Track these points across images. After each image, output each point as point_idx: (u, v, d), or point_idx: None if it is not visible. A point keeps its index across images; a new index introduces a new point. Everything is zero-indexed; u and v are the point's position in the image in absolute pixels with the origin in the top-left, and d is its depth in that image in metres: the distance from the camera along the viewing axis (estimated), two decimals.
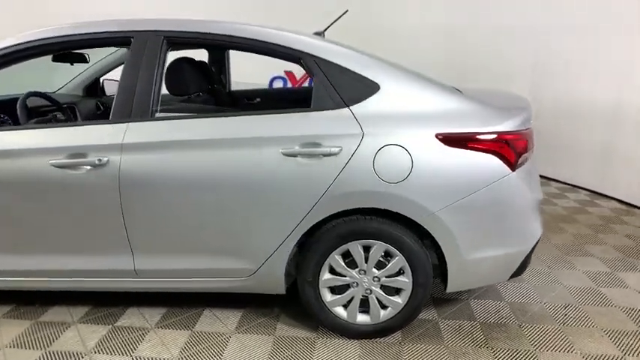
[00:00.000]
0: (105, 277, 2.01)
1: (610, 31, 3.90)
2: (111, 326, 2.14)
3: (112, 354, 1.94)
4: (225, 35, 1.91)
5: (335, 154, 1.79)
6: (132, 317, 2.21)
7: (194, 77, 2.23)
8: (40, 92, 2.48)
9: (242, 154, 1.82)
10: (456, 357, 1.93)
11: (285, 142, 1.81)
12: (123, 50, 2.99)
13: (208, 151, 1.82)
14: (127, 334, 2.08)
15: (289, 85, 6.31)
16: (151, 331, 2.11)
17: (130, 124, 1.85)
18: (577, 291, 2.46)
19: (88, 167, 1.83)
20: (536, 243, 1.98)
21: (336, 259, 1.92)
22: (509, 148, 1.83)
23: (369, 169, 1.78)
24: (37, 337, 2.05)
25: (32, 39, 1.91)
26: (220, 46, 2.00)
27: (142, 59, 1.89)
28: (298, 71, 6.28)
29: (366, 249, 1.92)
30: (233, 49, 2.07)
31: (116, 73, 3.28)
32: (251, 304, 2.30)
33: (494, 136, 1.81)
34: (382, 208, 1.82)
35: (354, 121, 1.82)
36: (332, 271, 1.95)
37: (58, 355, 1.93)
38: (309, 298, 1.98)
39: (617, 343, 2.02)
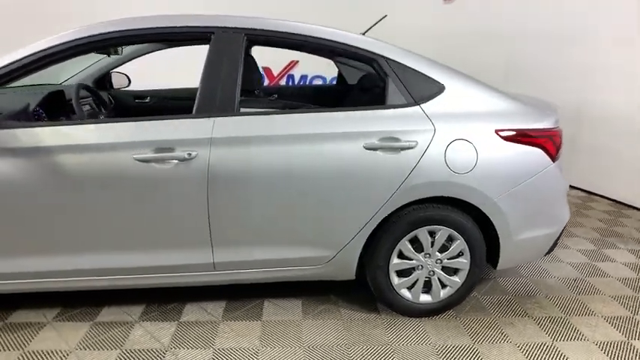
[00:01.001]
0: (182, 272, 2.00)
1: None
2: (177, 322, 2.13)
3: (190, 348, 1.95)
4: (303, 35, 2.00)
5: (412, 148, 1.96)
6: (194, 312, 2.21)
7: (259, 72, 2.28)
8: (86, 85, 2.38)
9: (325, 148, 1.92)
10: (506, 326, 2.20)
11: (367, 136, 1.95)
12: (135, 46, 2.93)
13: (293, 146, 1.91)
14: (197, 328, 2.09)
15: (267, 80, 6.36)
16: (221, 323, 2.13)
17: (217, 119, 1.88)
18: (578, 266, 2.87)
19: (176, 161, 1.83)
20: (566, 225, 2.31)
21: (405, 244, 2.10)
22: (552, 143, 2.12)
23: (441, 161, 1.98)
24: (106, 338, 1.99)
25: (111, 30, 1.86)
26: (297, 45, 2.07)
27: (223, 56, 1.92)
28: (275, 67, 6.37)
29: (430, 234, 2.12)
30: (309, 48, 2.15)
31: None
32: (305, 291, 2.40)
33: (541, 132, 2.10)
34: (451, 196, 2.03)
35: (426, 117, 2.01)
36: (400, 255, 2.13)
37: (138, 353, 1.90)
38: (379, 283, 2.14)
39: (624, 305, 2.41)
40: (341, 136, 1.94)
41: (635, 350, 2.04)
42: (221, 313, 2.21)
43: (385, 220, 2.05)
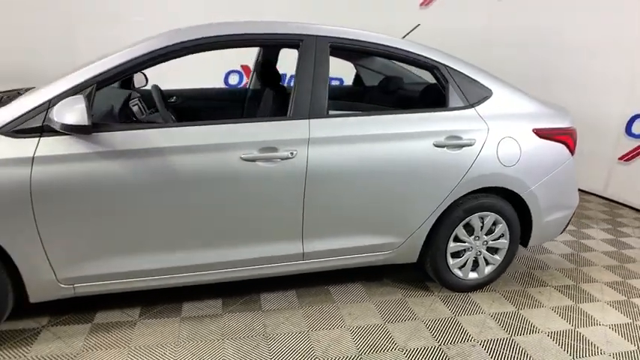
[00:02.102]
0: (275, 263, 2.14)
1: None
2: (258, 311, 2.26)
3: (326, 329, 2.11)
4: (376, 44, 2.22)
5: (471, 145, 2.28)
6: (274, 301, 2.35)
7: None
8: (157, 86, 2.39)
9: (403, 146, 2.17)
10: (536, 294, 2.61)
11: (436, 135, 2.22)
12: None
13: (376, 144, 2.13)
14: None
15: (245, 78, 6.38)
16: (269, 313, 2.30)
17: (311, 120, 2.04)
18: (568, 243, 3.39)
19: (279, 160, 1.97)
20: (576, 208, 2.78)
21: (461, 229, 2.42)
22: (571, 139, 2.56)
23: (494, 156, 2.32)
24: (201, 330, 2.08)
25: (208, 34, 1.94)
26: (371, 52, 2.26)
27: (312, 61, 2.08)
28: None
29: (480, 219, 2.45)
30: (380, 55, 2.36)
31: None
32: (330, 281, 2.63)
33: (564, 130, 2.51)
34: (500, 186, 2.38)
35: (481, 118, 2.33)
36: (455, 239, 2.44)
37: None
38: (438, 264, 2.44)
39: (615, 273, 2.95)
40: (416, 135, 2.19)
41: (636, 306, 2.54)
42: (269, 307, 2.37)
43: (447, 209, 2.34)
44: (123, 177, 1.78)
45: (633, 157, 4.34)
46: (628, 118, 4.33)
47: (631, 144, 4.34)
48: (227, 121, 1.94)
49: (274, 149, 1.96)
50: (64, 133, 1.70)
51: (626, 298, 2.64)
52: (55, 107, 1.65)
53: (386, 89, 3.22)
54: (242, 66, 6.31)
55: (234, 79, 6.33)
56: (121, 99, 2.36)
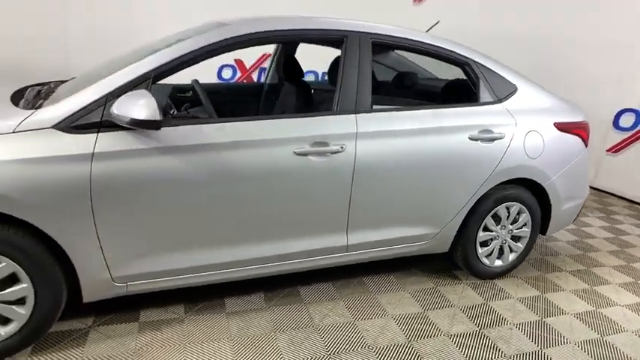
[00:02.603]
0: (318, 255, 2.17)
1: None
2: (300, 304, 2.29)
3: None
4: (414, 40, 2.29)
5: (502, 138, 2.38)
6: (314, 293, 2.38)
7: None
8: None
9: (441, 140, 2.25)
10: (554, 279, 2.75)
11: (471, 129, 2.31)
12: None
13: (417, 138, 2.20)
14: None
15: (239, 72, 6.32)
16: (340, 300, 2.35)
17: (358, 115, 2.08)
18: (571, 231, 3.58)
19: (330, 154, 2.00)
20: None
21: (490, 219, 2.52)
22: (585, 132, 2.71)
23: (522, 149, 2.43)
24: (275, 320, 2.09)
25: (260, 29, 1.94)
26: (408, 48, 2.33)
27: (357, 57, 2.12)
28: (247, 60, 6.35)
29: (506, 209, 2.56)
30: (417, 51, 2.40)
31: None
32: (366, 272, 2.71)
33: (579, 124, 2.66)
34: (526, 177, 2.49)
35: (509, 113, 2.44)
36: (484, 228, 2.54)
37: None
38: (468, 253, 2.53)
39: (619, 257, 3.15)
40: (454, 129, 2.28)
41: None
42: (338, 292, 2.42)
43: (478, 200, 2.44)
44: (181, 173, 1.77)
45: (620, 148, 4.61)
46: (615, 113, 4.60)
47: (618, 137, 4.61)
48: (280, 116, 1.96)
49: (325, 144, 1.99)
50: (122, 129, 1.67)
51: (634, 280, 2.83)
52: (117, 102, 1.62)
53: (401, 84, 3.29)
54: (235, 60, 6.26)
55: (227, 74, 6.26)
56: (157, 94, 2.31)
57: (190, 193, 1.81)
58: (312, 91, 2.90)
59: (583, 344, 2.14)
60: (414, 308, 2.32)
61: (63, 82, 2.41)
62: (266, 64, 6.53)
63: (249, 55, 6.34)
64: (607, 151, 4.70)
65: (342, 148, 2.01)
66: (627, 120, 4.54)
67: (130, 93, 1.63)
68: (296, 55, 3.03)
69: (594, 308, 2.46)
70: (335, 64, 2.43)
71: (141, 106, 1.57)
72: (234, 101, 3.29)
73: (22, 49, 4.55)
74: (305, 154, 1.96)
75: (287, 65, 2.87)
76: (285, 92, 2.85)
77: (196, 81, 2.42)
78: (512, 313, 2.34)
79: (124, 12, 5.04)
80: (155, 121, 1.59)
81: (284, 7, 5.44)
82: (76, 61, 5.22)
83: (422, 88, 3.03)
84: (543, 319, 2.31)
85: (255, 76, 6.51)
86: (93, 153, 1.64)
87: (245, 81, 6.38)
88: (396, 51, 3.23)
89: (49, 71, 4.64)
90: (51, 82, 2.38)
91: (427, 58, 2.51)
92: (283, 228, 2.05)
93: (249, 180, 1.89)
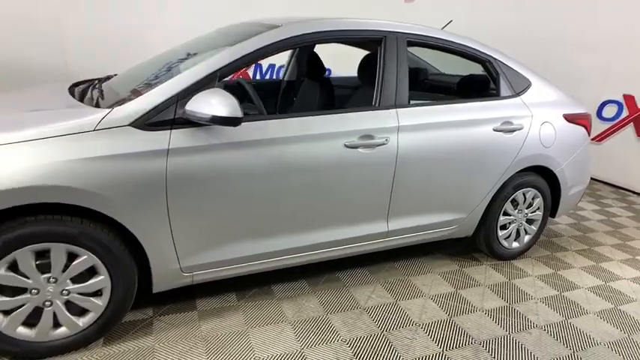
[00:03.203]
0: (361, 242, 2.31)
1: None
2: (342, 289, 2.43)
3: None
4: (445, 40, 2.46)
5: (521, 129, 2.59)
6: (352, 278, 2.53)
7: None
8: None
9: (471, 131, 2.43)
10: (564, 257, 3.00)
11: (494, 122, 2.51)
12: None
13: (450, 130, 2.37)
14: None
15: None
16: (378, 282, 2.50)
17: (398, 109, 2.23)
18: (569, 214, 3.87)
19: (375, 146, 2.14)
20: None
21: (509, 204, 2.73)
22: (589, 123, 2.96)
23: (537, 139, 2.65)
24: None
25: (314, 30, 2.07)
26: (438, 47, 2.49)
27: (395, 56, 2.26)
28: None
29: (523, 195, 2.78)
30: (445, 49, 2.56)
31: None
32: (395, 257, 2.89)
33: (583, 115, 2.91)
34: (540, 165, 2.71)
35: (525, 106, 2.64)
36: (504, 213, 2.75)
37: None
38: (489, 236, 2.74)
39: (616, 237, 3.44)
40: (482, 121, 2.46)
41: None
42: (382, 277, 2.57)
43: (500, 186, 2.64)
44: (247, 166, 1.87)
45: (603, 137, 4.97)
46: (599, 104, 4.94)
47: (602, 126, 4.95)
48: (333, 111, 2.08)
49: (371, 137, 2.13)
50: (193, 125, 1.76)
51: (632, 256, 3.12)
52: (192, 101, 1.70)
53: (415, 80, 3.46)
54: None
55: None
56: None
57: (255, 185, 1.91)
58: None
59: (601, 314, 2.38)
60: (446, 288, 2.51)
61: (101, 79, 2.45)
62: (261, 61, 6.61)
63: None
64: (592, 140, 5.04)
65: (386, 140, 2.16)
66: (610, 110, 4.89)
67: (204, 92, 1.72)
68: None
69: (603, 282, 2.72)
70: (365, 62, 2.57)
71: (222, 104, 1.66)
72: (264, 97, 3.37)
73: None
74: (354, 147, 2.09)
75: (314, 64, 2.96)
76: (311, 88, 2.94)
77: (244, 79, 2.50)
78: (534, 290, 2.56)
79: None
80: (237, 118, 1.68)
81: (280, 6, 5.55)
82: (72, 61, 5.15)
83: (441, 84, 3.22)
84: (562, 294, 2.55)
85: (250, 73, 6.55)
86: (168, 149, 1.73)
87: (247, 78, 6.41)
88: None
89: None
90: (94, 80, 2.42)
91: (430, 53, 2.70)
92: (333, 216, 2.18)
93: (305, 171, 2.01)
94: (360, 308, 2.26)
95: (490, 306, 2.36)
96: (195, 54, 2.28)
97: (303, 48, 3.29)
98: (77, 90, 2.18)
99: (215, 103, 1.67)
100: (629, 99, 4.66)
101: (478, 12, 5.91)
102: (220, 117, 1.66)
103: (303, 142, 1.99)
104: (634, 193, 4.69)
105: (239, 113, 1.68)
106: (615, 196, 4.54)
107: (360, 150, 2.11)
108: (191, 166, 1.77)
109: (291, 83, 3.43)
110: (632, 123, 4.70)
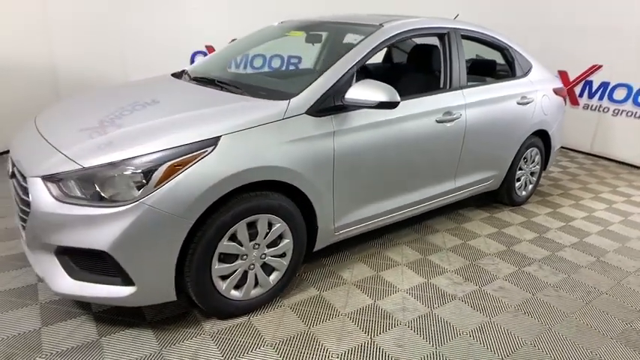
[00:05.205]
0: (438, 198, 2.90)
1: None
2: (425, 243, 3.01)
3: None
4: (482, 33, 3.11)
5: (531, 102, 3.36)
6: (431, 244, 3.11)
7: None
8: None
9: (504, 105, 3.13)
10: (563, 203, 3.90)
11: (516, 97, 3.23)
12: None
13: (494, 105, 3.04)
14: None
15: None
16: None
17: (463, 90, 2.83)
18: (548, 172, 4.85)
19: (454, 120, 2.72)
20: None
21: (522, 161, 3.52)
22: (566, 95, 3.86)
23: (541, 109, 3.45)
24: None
25: (414, 27, 2.59)
26: (477, 39, 3.09)
27: (456, 47, 2.85)
28: (217, 46, 6.46)
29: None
30: (480, 41, 3.18)
31: None
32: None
33: (563, 89, 3.79)
34: (542, 129, 3.52)
35: (531, 83, 3.42)
36: (519, 168, 3.53)
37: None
38: (511, 187, 3.51)
39: (576, 182, 4.47)
40: (511, 97, 3.17)
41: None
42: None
43: (519, 147, 3.40)
44: (384, 140, 2.35)
45: None
46: None
47: None
48: (427, 94, 2.62)
49: (451, 113, 2.71)
50: (347, 110, 2.17)
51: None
52: (352, 90, 2.11)
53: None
54: (206, 46, 6.38)
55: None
56: None
57: (388, 155, 2.40)
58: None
59: (601, 233, 3.28)
60: (490, 229, 3.22)
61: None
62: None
63: (220, 41, 6.48)
64: None
65: (460, 115, 2.76)
66: None
67: (360, 83, 2.13)
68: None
69: (588, 214, 3.66)
70: (419, 53, 3.12)
71: (384, 91, 2.09)
72: None
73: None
74: (441, 122, 2.66)
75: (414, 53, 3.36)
76: (407, 74, 3.30)
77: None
78: (549, 223, 3.39)
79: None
80: (397, 102, 2.13)
81: (276, 5, 5.81)
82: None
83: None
84: (569, 224, 3.41)
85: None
86: (334, 131, 2.13)
87: None
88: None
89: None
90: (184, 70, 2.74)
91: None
92: (427, 177, 2.74)
93: (415, 142, 2.54)
94: (444, 250, 2.86)
95: (529, 237, 3.12)
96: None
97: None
98: (206, 85, 2.43)
99: (377, 91, 2.09)
100: (563, 74, 5.79)
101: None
102: (386, 102, 2.09)
103: (414, 119, 2.50)
104: (572, 150, 5.88)
105: (397, 98, 2.13)
106: (559, 153, 5.70)
107: (445, 124, 2.68)
108: (349, 142, 2.19)
109: (385, 69, 3.84)
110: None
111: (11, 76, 4.27)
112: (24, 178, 1.80)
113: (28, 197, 1.74)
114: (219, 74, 2.71)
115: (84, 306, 2.08)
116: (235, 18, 6.11)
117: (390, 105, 2.14)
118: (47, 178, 1.71)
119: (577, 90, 5.72)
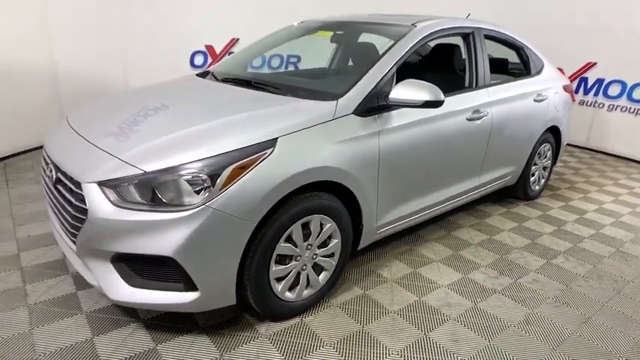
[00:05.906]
0: (465, 194, 2.95)
1: None
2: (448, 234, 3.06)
3: None
4: (502, 32, 3.19)
5: (546, 99, 3.45)
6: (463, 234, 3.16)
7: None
8: None
9: (523, 102, 3.20)
10: (563, 192, 4.02)
11: (533, 95, 3.32)
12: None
13: (514, 102, 3.11)
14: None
15: (209, 59, 6.35)
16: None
17: (488, 89, 2.89)
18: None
19: (482, 118, 2.77)
20: None
21: (536, 157, 3.61)
22: (573, 91, 3.98)
23: (554, 105, 3.55)
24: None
25: (447, 26, 2.66)
26: (498, 39, 3.16)
27: (481, 47, 2.90)
28: (217, 46, 6.39)
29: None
30: (501, 41, 3.25)
31: None
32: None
33: (570, 86, 3.91)
34: (555, 125, 3.62)
35: (544, 81, 3.51)
36: (534, 164, 3.62)
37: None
38: (526, 182, 3.60)
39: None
40: (529, 94, 3.25)
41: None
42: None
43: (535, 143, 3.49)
44: (425, 137, 2.39)
45: None
46: None
47: None
48: (458, 92, 2.67)
49: (479, 111, 2.76)
50: (389, 110, 2.19)
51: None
52: (396, 91, 2.13)
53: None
54: (206, 46, 6.31)
55: (199, 60, 6.27)
56: None
57: (427, 152, 2.44)
58: None
59: (614, 224, 3.40)
60: (511, 224, 3.30)
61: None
62: (234, 49, 6.65)
63: (220, 41, 6.40)
64: None
65: (487, 113, 2.81)
66: None
67: (404, 83, 2.15)
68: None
69: (598, 206, 3.78)
70: (440, 52, 3.16)
71: (429, 91, 2.11)
72: None
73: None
74: (471, 120, 2.71)
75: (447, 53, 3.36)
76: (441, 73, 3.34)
77: None
78: (564, 216, 3.50)
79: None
80: (442, 100, 2.15)
81: (276, 6, 5.78)
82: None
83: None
84: (583, 216, 3.52)
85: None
86: (379, 131, 2.14)
87: None
88: None
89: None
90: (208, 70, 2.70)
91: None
92: (456, 174, 2.79)
93: (450, 140, 2.59)
94: (471, 245, 2.92)
95: (547, 230, 3.21)
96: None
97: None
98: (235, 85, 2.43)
99: (422, 91, 2.12)
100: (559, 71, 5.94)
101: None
102: (432, 101, 2.12)
103: (448, 118, 2.54)
104: (569, 144, 6.03)
105: (442, 96, 2.16)
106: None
107: (475, 122, 2.73)
108: (393, 141, 2.21)
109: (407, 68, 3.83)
110: None
111: (11, 76, 4.13)
112: (75, 183, 1.75)
113: (83, 204, 1.69)
114: (249, 75, 2.69)
115: (132, 313, 2.04)
116: (235, 18, 6.05)
117: (435, 104, 2.16)
118: (104, 184, 1.67)
119: (573, 86, 5.90)
